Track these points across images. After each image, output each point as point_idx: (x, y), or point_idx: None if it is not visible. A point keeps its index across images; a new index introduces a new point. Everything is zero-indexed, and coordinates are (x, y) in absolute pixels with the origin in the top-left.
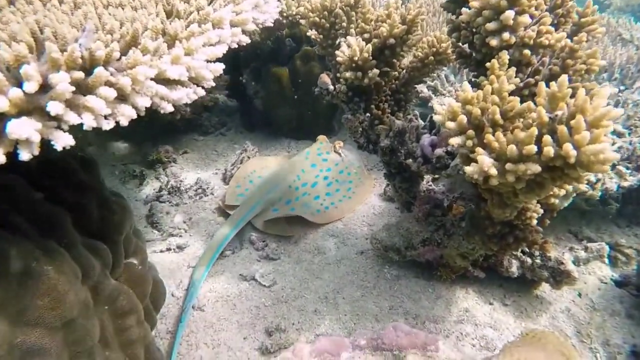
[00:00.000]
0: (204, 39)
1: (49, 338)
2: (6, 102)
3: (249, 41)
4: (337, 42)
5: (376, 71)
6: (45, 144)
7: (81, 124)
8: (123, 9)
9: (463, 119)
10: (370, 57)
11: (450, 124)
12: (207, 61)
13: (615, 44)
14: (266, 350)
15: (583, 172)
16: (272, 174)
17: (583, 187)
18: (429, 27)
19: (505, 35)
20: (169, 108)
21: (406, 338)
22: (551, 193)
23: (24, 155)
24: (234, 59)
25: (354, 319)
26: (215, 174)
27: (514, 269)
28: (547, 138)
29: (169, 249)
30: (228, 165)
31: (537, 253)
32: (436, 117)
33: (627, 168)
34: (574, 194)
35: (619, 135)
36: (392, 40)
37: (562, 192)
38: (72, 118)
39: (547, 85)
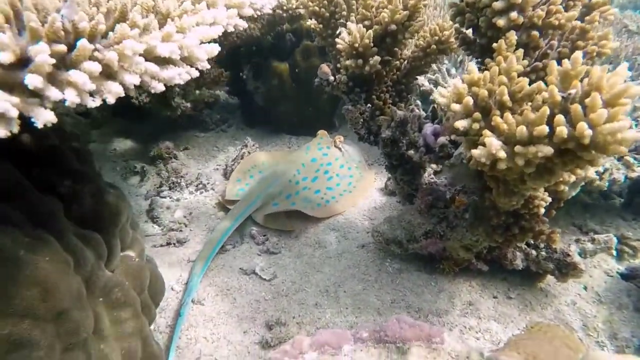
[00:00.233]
0: (197, 18)
1: (39, 329)
2: None
3: (246, 26)
4: (337, 32)
5: (377, 58)
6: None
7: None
8: None
9: (469, 100)
10: (372, 44)
11: (456, 106)
12: (202, 42)
13: (621, 36)
14: (266, 344)
15: (598, 154)
16: (272, 168)
17: (592, 174)
18: (430, 21)
19: (513, 14)
20: (160, 87)
21: (410, 330)
22: (561, 179)
23: (0, 132)
24: (234, 55)
25: (356, 312)
26: (216, 170)
27: (519, 261)
28: (559, 117)
29: (169, 244)
30: (229, 161)
31: (542, 245)
32: (440, 100)
33: (635, 159)
34: (583, 183)
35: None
36: (393, 27)
37: (572, 178)
38: (54, 93)
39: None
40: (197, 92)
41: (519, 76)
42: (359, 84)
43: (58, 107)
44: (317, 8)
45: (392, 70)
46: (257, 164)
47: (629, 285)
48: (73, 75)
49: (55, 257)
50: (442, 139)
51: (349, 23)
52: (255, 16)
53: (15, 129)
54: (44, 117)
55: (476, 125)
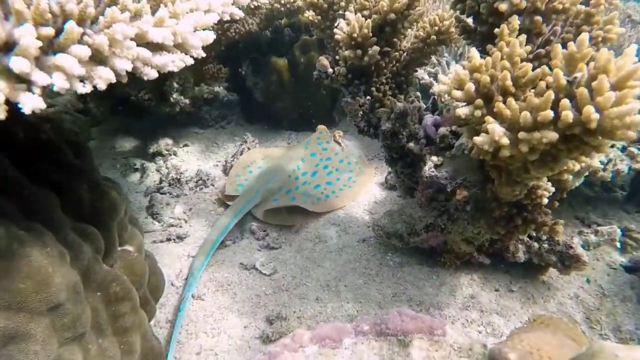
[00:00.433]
0: (191, 4)
1: (34, 323)
2: None
3: (242, 14)
4: (335, 23)
5: (376, 48)
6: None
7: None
8: None
9: (471, 87)
10: (371, 34)
11: (457, 93)
12: (197, 29)
13: (625, 25)
14: (267, 338)
15: (605, 139)
16: (271, 163)
17: (596, 164)
18: (429, 13)
19: None
20: (153, 74)
21: (412, 322)
22: (565, 168)
23: None
24: (232, 51)
25: (357, 306)
26: (215, 166)
27: (521, 254)
28: (565, 102)
29: (169, 239)
30: (228, 157)
31: (544, 237)
32: (441, 87)
33: (639, 149)
34: (587, 172)
35: None
36: (392, 16)
37: (577, 167)
38: (41, 78)
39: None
40: (196, 88)
41: (522, 61)
42: (358, 76)
43: (57, 105)
44: None
45: (392, 62)
46: (257, 159)
47: (632, 278)
48: (61, 59)
49: (50, 251)
50: (443, 130)
51: (347, 13)
52: (252, 6)
53: (2, 115)
54: (31, 103)
55: (478, 112)
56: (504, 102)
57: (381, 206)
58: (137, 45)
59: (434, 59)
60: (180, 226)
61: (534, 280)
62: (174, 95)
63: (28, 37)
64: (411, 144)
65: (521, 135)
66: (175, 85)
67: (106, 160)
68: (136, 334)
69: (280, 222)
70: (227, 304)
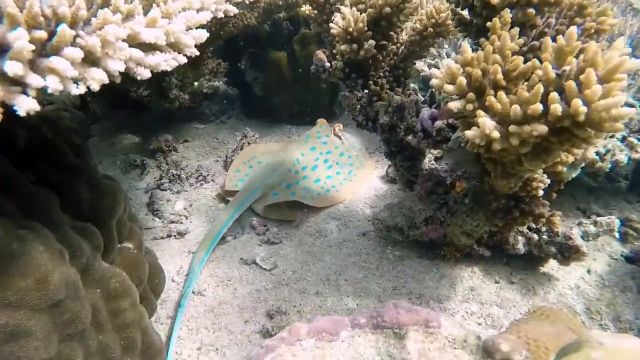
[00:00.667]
0: (184, 2)
1: (35, 320)
2: None
3: (236, 11)
4: (332, 17)
5: (372, 42)
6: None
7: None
8: None
9: (462, 81)
10: (366, 28)
11: (449, 87)
12: (189, 28)
13: (626, 14)
14: (267, 332)
15: (594, 132)
16: (271, 158)
17: (592, 155)
18: (426, 5)
19: None
20: (146, 74)
21: (407, 315)
22: (558, 160)
23: None
24: (231, 45)
25: (356, 300)
26: (216, 161)
27: (520, 245)
28: (554, 95)
29: (169, 236)
30: (228, 152)
31: (543, 229)
32: (434, 82)
33: (639, 139)
34: (583, 164)
35: (630, 107)
36: (387, 9)
37: (570, 159)
38: (35, 80)
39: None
40: (195, 83)
41: (514, 55)
42: (356, 70)
43: (56, 102)
44: None
45: (389, 55)
46: (257, 154)
47: (633, 268)
48: (54, 61)
49: (49, 249)
50: (439, 123)
51: (342, 7)
52: (249, 1)
53: None
54: (26, 105)
55: (470, 106)
56: (495, 96)
57: (382, 199)
58: (130, 46)
59: (434, 50)
60: (181, 222)
61: (535, 271)
62: (173, 91)
63: (21, 40)
64: (409, 137)
65: (512, 128)
66: (174, 81)
67: (106, 157)
68: (136, 330)
69: (280, 216)
70: (228, 299)
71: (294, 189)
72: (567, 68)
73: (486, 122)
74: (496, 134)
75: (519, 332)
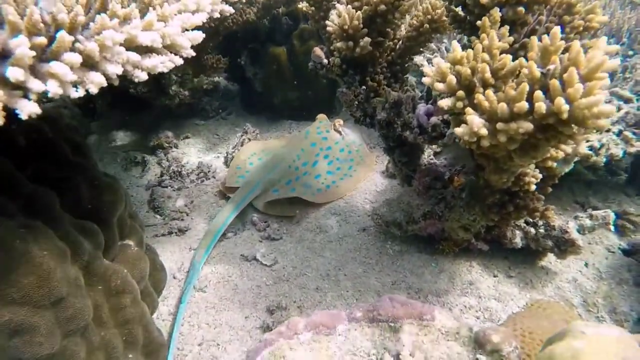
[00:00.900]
0: (179, 5)
1: (38, 316)
2: None
3: (232, 11)
4: (330, 14)
5: (367, 39)
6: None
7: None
8: None
9: (452, 79)
10: (361, 25)
11: (439, 85)
12: (185, 29)
13: (624, 8)
14: (267, 328)
15: (577, 128)
16: (272, 155)
17: (583, 150)
18: (422, 3)
19: None
20: (143, 76)
21: (402, 308)
22: (548, 156)
23: None
24: (231, 41)
25: (356, 294)
26: (217, 158)
27: (518, 239)
28: (538, 93)
29: (170, 233)
30: (229, 148)
31: (540, 223)
32: (425, 80)
33: (634, 134)
34: (575, 159)
35: (627, 100)
36: (383, 7)
37: (560, 154)
38: (36, 85)
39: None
40: (195, 80)
41: (505, 53)
42: (353, 66)
43: (56, 100)
44: None
45: (387, 51)
46: (257, 151)
47: (630, 261)
48: (54, 66)
49: (50, 247)
50: (434, 119)
51: (337, 5)
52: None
53: (0, 121)
54: (28, 109)
55: (460, 104)
56: (484, 94)
57: (382, 195)
58: (127, 49)
59: (433, 45)
60: (182, 219)
61: (533, 265)
62: (173, 87)
63: (23, 47)
64: (406, 133)
65: (499, 125)
66: (174, 77)
67: (106, 155)
68: (138, 326)
69: (281, 213)
70: (229, 295)
71: (294, 185)
72: (551, 67)
73: (474, 120)
74: (484, 131)
75: (514, 325)
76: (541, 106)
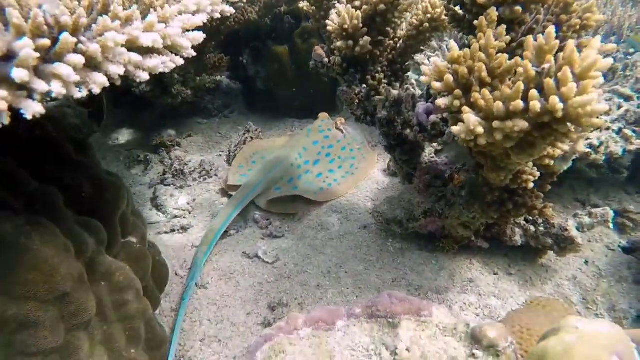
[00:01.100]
0: (180, 6)
1: (42, 311)
2: None
3: (233, 11)
4: (330, 13)
5: (367, 39)
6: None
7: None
8: None
9: (450, 78)
10: (361, 25)
11: (437, 84)
12: (186, 30)
13: (626, 5)
14: (269, 324)
15: (572, 127)
16: (274, 153)
17: (581, 148)
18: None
19: None
20: (145, 76)
21: (400, 305)
22: (545, 153)
23: None
24: (233, 39)
25: (357, 292)
26: (219, 156)
27: (518, 237)
28: (533, 92)
29: (173, 230)
30: (232, 147)
31: (540, 221)
32: (422, 78)
33: (634, 132)
34: (574, 156)
35: (628, 98)
36: (382, 6)
37: (558, 152)
38: (40, 86)
39: None
40: (198, 78)
41: (503, 52)
42: (353, 65)
43: (60, 100)
44: None
45: (387, 50)
46: (259, 149)
47: (629, 259)
48: (58, 67)
49: (55, 243)
50: (434, 117)
51: (337, 4)
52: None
53: (6, 121)
54: (32, 109)
55: (457, 103)
56: (480, 93)
57: (383, 193)
58: (129, 50)
59: (434, 43)
60: (185, 217)
61: (533, 263)
62: (176, 86)
63: (27, 49)
64: (407, 132)
65: (495, 124)
66: (176, 76)
67: (109, 153)
68: (140, 321)
69: (283, 210)
70: (230, 292)
71: (296, 183)
72: (546, 66)
73: (470, 118)
74: (480, 130)
75: (513, 322)
76: (536, 105)
